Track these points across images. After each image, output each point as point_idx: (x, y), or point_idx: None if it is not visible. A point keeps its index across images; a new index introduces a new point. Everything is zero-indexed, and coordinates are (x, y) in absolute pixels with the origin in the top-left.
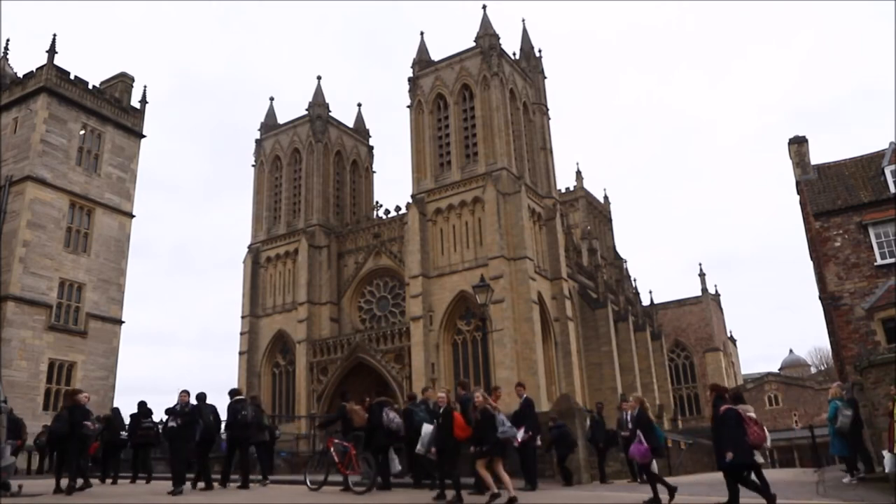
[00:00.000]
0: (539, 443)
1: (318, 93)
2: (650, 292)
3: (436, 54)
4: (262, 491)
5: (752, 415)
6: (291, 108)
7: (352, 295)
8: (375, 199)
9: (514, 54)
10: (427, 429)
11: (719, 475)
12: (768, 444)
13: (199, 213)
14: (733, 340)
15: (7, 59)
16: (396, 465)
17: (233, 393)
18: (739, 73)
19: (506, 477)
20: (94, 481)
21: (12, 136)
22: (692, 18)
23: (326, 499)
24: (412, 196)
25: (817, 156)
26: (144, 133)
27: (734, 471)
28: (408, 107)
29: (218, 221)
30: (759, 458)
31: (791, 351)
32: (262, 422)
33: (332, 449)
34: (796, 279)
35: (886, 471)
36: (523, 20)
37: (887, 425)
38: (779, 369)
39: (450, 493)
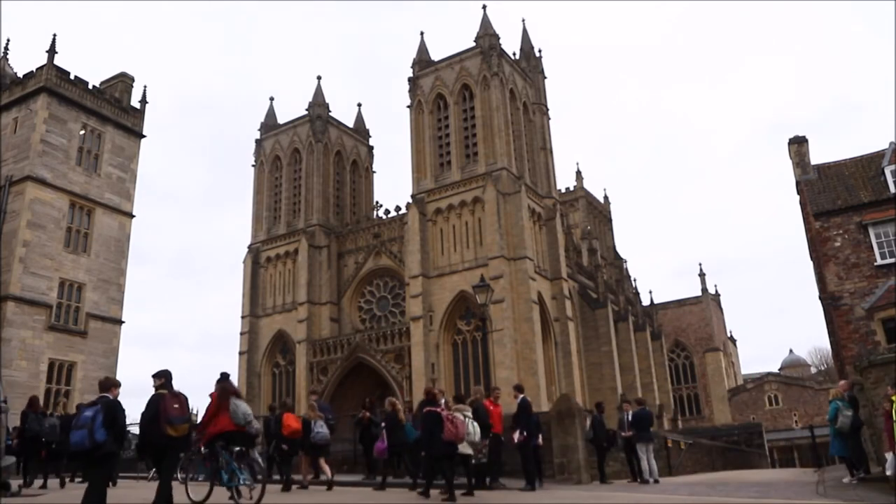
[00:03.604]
0: (541, 442)
1: (318, 93)
2: (650, 292)
3: (436, 54)
4: (130, 485)
5: (465, 415)
6: (291, 109)
7: (352, 295)
8: (375, 199)
9: (514, 54)
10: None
11: (719, 475)
12: (477, 437)
13: (200, 218)
14: (733, 340)
15: (7, 59)
16: (260, 463)
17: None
18: (740, 75)
19: (326, 468)
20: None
21: (12, 136)
22: (694, 21)
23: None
24: (412, 196)
25: (816, 158)
26: (144, 133)
27: (434, 461)
28: (408, 107)
29: (219, 226)
30: (467, 450)
31: (791, 351)
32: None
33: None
34: (796, 279)
35: (888, 473)
36: (523, 20)
37: (886, 426)
38: (779, 369)
39: (294, 487)
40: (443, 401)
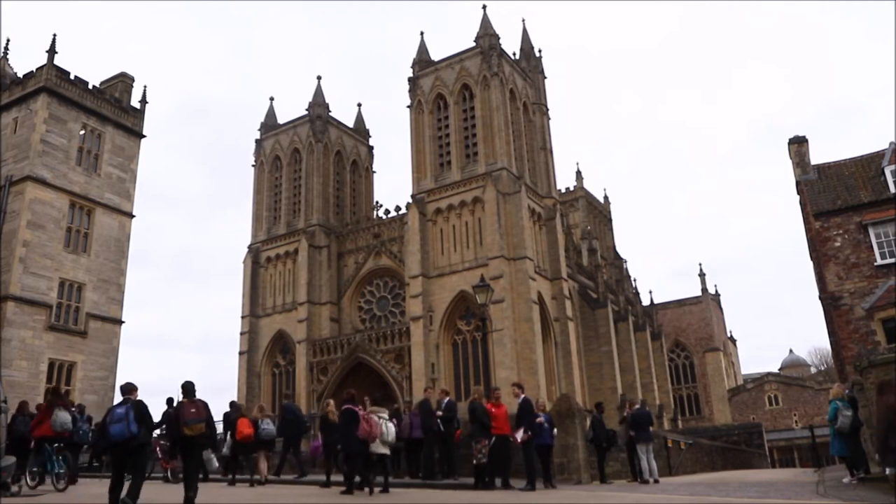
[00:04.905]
0: (553, 441)
1: (318, 93)
2: (650, 292)
3: (436, 54)
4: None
5: (381, 415)
6: (291, 109)
7: (352, 295)
8: (375, 199)
9: (514, 54)
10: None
11: (719, 475)
12: (391, 438)
13: (200, 220)
14: (733, 340)
15: (7, 59)
16: (214, 463)
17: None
18: (739, 77)
19: (263, 466)
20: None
21: (12, 136)
22: (693, 24)
23: (151, 488)
24: (412, 196)
25: (815, 160)
26: (144, 133)
27: (349, 457)
28: (408, 107)
29: (219, 228)
30: (381, 450)
31: (791, 351)
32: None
33: (157, 448)
34: (796, 279)
35: (887, 472)
36: (523, 20)
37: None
38: (779, 369)
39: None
40: (447, 399)
